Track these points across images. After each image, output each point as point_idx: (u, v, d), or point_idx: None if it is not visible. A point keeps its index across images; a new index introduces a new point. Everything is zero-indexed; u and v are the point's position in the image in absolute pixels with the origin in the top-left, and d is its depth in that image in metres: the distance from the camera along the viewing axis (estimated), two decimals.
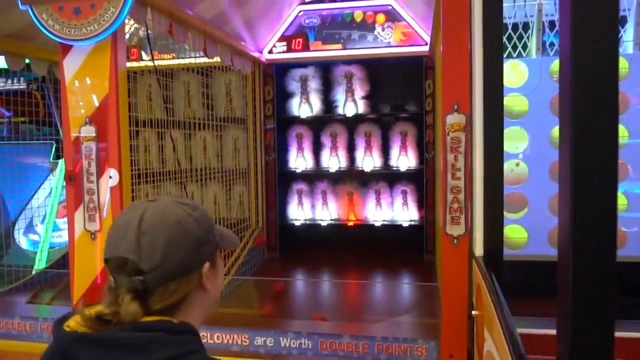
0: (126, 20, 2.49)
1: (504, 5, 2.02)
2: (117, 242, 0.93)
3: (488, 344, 1.66)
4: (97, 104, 2.35)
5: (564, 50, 0.91)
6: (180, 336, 0.91)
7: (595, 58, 0.84)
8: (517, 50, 3.37)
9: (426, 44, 4.32)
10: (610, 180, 0.84)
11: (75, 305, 2.43)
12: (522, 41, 3.39)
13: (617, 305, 0.88)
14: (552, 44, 3.34)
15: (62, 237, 4.61)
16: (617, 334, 0.87)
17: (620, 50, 3.16)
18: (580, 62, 0.85)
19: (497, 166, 1.87)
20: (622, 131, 3.03)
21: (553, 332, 2.03)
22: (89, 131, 2.35)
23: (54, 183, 4.76)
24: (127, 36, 4.14)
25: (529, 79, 3.25)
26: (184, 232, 0.94)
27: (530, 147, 3.21)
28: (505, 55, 3.08)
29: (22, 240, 4.95)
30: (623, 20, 3.15)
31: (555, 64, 3.18)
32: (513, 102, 3.16)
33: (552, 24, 3.31)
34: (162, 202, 0.98)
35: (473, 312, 2.00)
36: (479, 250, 1.97)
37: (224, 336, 2.53)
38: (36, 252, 4.54)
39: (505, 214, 2.26)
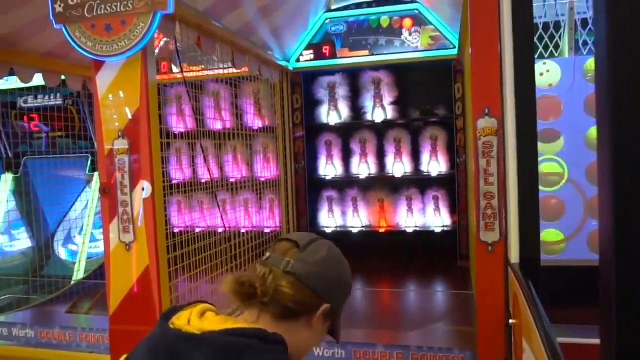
0: (155, 35, 2.53)
1: (533, 4, 1.97)
2: (294, 236, 1.11)
3: (527, 354, 1.61)
4: (129, 117, 2.40)
5: (600, 48, 0.87)
6: (273, 345, 0.96)
7: (634, 54, 0.80)
8: (549, 50, 3.29)
9: (454, 47, 4.27)
10: None
11: (113, 315, 2.48)
12: (554, 41, 3.30)
13: None
14: (585, 43, 3.25)
15: (99, 247, 4.72)
16: None
17: None
18: (618, 60, 0.82)
19: (531, 170, 1.81)
20: None
21: (595, 341, 1.95)
22: (122, 144, 2.40)
23: (90, 195, 4.88)
24: (156, 50, 4.23)
25: (561, 78, 3.17)
26: (339, 263, 1.11)
27: (565, 148, 3.12)
28: (536, 56, 3.01)
29: (61, 251, 5.09)
30: None
31: (590, 63, 3.08)
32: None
33: (584, 22, 3.22)
34: (326, 242, 1.15)
35: (510, 321, 1.94)
36: (514, 257, 1.92)
37: None
38: (74, 263, 4.66)
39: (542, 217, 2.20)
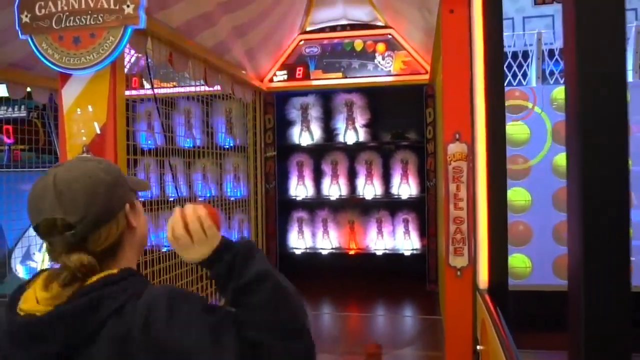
0: (126, 50, 2.49)
1: (503, 34, 2.01)
2: (39, 207, 0.97)
3: None
4: (95, 132, 2.33)
5: (569, 77, 0.88)
6: (122, 283, 0.97)
7: (602, 85, 0.81)
8: (517, 79, 3.38)
9: (426, 72, 4.34)
10: (622, 208, 0.81)
11: None
12: (522, 70, 3.39)
13: (631, 338, 0.83)
14: (552, 72, 3.35)
15: None
16: None
17: None
18: (587, 90, 0.83)
19: (501, 196, 1.82)
20: None
21: None
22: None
23: None
24: (127, 65, 4.16)
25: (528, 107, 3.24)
26: (96, 181, 1.00)
27: (532, 175, 3.18)
28: (505, 84, 3.07)
29: (19, 269, 4.88)
30: None
31: (556, 92, 3.17)
32: (514, 130, 3.14)
33: (551, 53, 3.33)
34: (67, 163, 1.04)
35: (478, 347, 1.93)
36: (483, 282, 1.91)
37: None
38: None
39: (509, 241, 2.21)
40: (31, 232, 4.72)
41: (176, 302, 0.95)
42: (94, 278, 0.96)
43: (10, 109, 4.72)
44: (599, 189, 0.82)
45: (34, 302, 0.94)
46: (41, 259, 4.61)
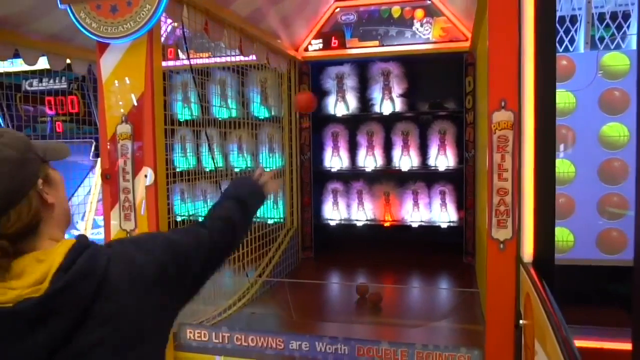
0: (162, 18, 2.47)
1: None
2: None
3: (539, 357, 1.55)
4: (133, 103, 2.34)
5: None
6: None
7: None
8: (564, 45, 3.21)
9: (467, 39, 4.18)
10: None
11: None
12: (569, 35, 3.22)
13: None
14: (601, 38, 3.17)
15: (102, 234, 4.68)
16: None
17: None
18: None
19: (549, 166, 1.74)
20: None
21: (609, 344, 1.88)
22: (125, 129, 2.34)
23: (94, 181, 4.83)
24: (163, 36, 4.16)
25: (576, 74, 3.09)
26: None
27: (577, 146, 3.05)
28: None
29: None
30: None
31: (607, 58, 3.00)
32: (560, 99, 3.00)
33: (601, 17, 3.14)
34: None
35: (521, 322, 1.88)
36: (527, 255, 1.85)
37: (258, 339, 2.48)
38: None
39: None
40: (74, 201, 4.87)
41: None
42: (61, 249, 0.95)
43: (51, 81, 4.82)
44: None
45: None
46: (83, 228, 4.76)
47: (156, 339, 1.06)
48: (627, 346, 0.98)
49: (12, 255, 0.92)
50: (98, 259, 0.97)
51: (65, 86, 4.79)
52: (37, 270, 0.91)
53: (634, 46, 3.01)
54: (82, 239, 1.00)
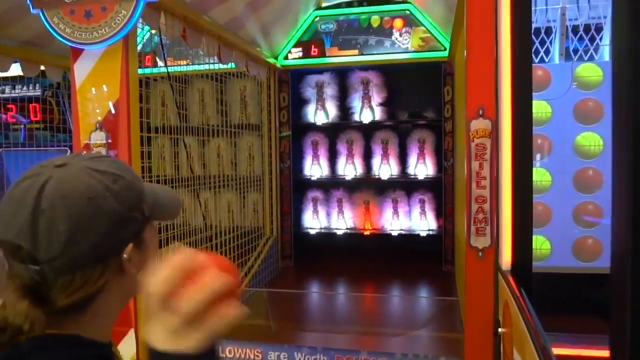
0: (139, 25, 2.43)
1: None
2: (8, 220, 0.71)
3: None
4: (107, 110, 2.29)
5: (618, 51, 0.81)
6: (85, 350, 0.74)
7: None
8: (540, 56, 3.27)
9: (445, 49, 4.22)
10: None
11: None
12: (545, 46, 3.28)
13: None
14: (575, 50, 3.23)
15: None
16: None
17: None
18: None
19: (526, 174, 1.75)
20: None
21: (586, 351, 1.89)
22: (100, 137, 2.29)
23: None
24: (141, 44, 4.11)
25: (552, 84, 3.14)
26: (97, 211, 0.72)
27: (553, 155, 3.09)
28: None
29: None
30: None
31: (580, 69, 3.06)
32: (536, 108, 3.04)
33: (575, 29, 3.20)
34: (72, 167, 0.74)
35: (500, 330, 1.88)
36: (506, 263, 1.86)
37: (236, 350, 2.43)
38: None
39: None
40: None
41: None
42: (54, 331, 0.72)
43: (25, 88, 4.72)
44: None
45: None
46: None
47: None
48: (604, 353, 0.97)
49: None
50: None
51: (39, 93, 4.69)
52: None
53: (606, 57, 3.08)
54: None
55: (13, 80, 4.63)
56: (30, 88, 4.72)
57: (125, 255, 0.77)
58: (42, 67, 3.63)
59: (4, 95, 4.77)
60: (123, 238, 0.76)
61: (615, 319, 0.83)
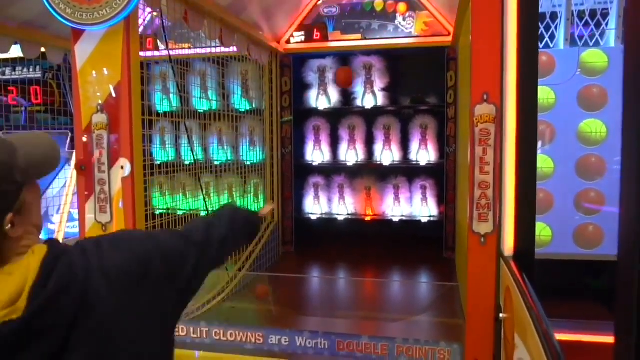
0: (140, 6, 2.40)
1: None
2: None
3: (520, 351, 1.55)
4: (108, 92, 2.27)
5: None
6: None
7: None
8: (544, 41, 3.23)
9: (449, 34, 4.18)
10: None
11: None
12: (550, 32, 3.24)
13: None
14: (580, 35, 3.20)
15: (77, 227, 4.57)
16: None
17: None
18: None
19: (530, 160, 1.74)
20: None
21: (586, 337, 1.89)
22: (101, 119, 2.28)
23: (69, 173, 4.72)
24: (142, 26, 4.07)
25: (556, 70, 3.11)
26: None
27: (556, 141, 3.07)
28: None
29: None
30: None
31: (585, 55, 3.03)
32: (539, 94, 3.02)
33: (580, 14, 3.17)
34: None
35: (501, 315, 1.89)
36: (508, 249, 1.85)
37: (237, 334, 2.44)
38: None
39: None
40: (49, 193, 4.75)
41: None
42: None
43: (25, 70, 4.69)
44: None
45: None
46: (58, 221, 4.65)
47: (151, 342, 0.97)
48: (605, 339, 0.97)
49: None
50: (76, 267, 0.86)
51: (40, 75, 4.66)
52: (9, 286, 0.80)
53: (612, 43, 3.04)
54: (53, 245, 0.89)
55: (13, 62, 4.59)
56: (31, 70, 4.68)
57: (7, 227, 0.84)
58: (43, 49, 3.59)
59: (4, 77, 4.74)
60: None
61: (620, 306, 0.83)
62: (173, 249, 1.06)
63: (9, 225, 0.84)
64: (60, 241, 0.94)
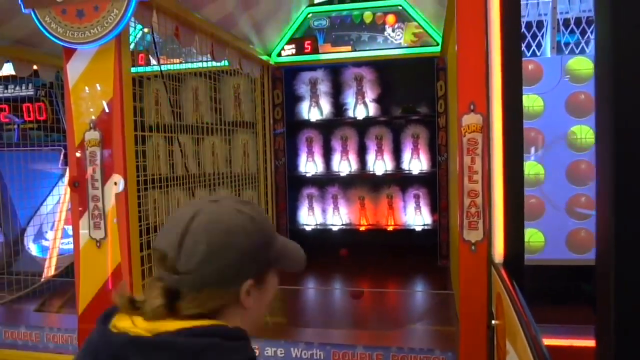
0: (131, 23, 2.43)
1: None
2: (165, 234, 0.92)
3: (510, 356, 1.56)
4: (101, 109, 2.29)
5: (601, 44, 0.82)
6: (236, 342, 0.88)
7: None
8: (531, 49, 3.28)
9: (438, 44, 4.24)
10: None
11: (84, 313, 2.37)
12: (536, 40, 3.29)
13: None
14: (567, 43, 3.25)
15: (72, 243, 4.56)
16: None
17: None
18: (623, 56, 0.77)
19: (517, 168, 1.77)
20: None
21: (578, 342, 1.91)
22: (94, 136, 2.30)
23: (63, 189, 4.72)
24: (133, 42, 4.10)
25: (544, 78, 3.16)
26: (230, 242, 0.90)
27: (546, 148, 3.11)
28: None
29: (32, 247, 4.92)
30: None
31: (572, 62, 3.08)
32: (528, 102, 3.06)
33: (566, 22, 3.22)
34: (222, 205, 0.94)
35: (493, 322, 1.90)
36: (498, 256, 1.88)
37: None
38: (45, 259, 4.50)
39: None
40: (43, 210, 4.75)
41: None
42: (205, 322, 0.88)
43: (17, 87, 4.70)
44: (631, 159, 0.77)
45: (129, 323, 0.86)
46: (53, 237, 4.64)
47: None
48: (593, 343, 0.99)
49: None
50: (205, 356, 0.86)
51: (32, 93, 4.68)
52: None
53: None
54: (240, 333, 0.92)
55: (5, 80, 4.61)
56: (23, 88, 4.70)
57: (246, 287, 0.92)
58: (35, 67, 3.62)
59: None
60: (246, 272, 0.92)
61: (600, 309, 0.85)
62: None
63: (246, 289, 0.92)
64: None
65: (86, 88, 2.32)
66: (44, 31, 2.25)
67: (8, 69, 3.49)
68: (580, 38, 3.19)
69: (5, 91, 4.75)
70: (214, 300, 0.90)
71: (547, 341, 1.87)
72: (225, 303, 0.92)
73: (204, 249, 0.88)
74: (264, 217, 0.98)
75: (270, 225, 0.99)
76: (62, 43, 2.25)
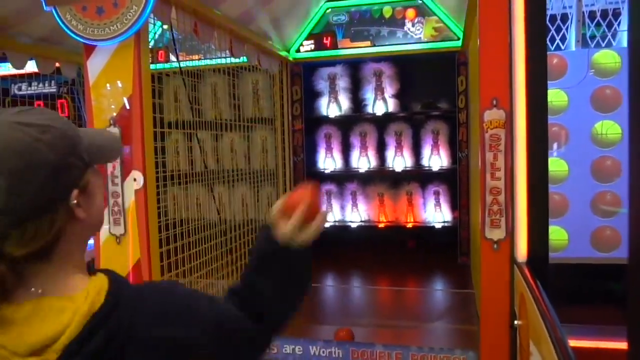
0: (150, 20, 2.44)
1: None
2: None
3: (534, 358, 1.53)
4: (121, 105, 2.30)
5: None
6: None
7: None
8: (555, 43, 3.21)
9: (458, 39, 4.17)
10: None
11: None
12: (560, 33, 3.22)
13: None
14: (592, 36, 3.17)
15: (91, 239, 4.61)
16: None
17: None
18: None
19: (541, 165, 1.73)
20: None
21: (605, 343, 1.86)
22: (113, 132, 2.31)
23: None
24: (152, 40, 4.12)
25: (568, 72, 3.08)
26: (29, 163, 0.73)
27: (570, 144, 3.04)
28: None
29: None
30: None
31: (598, 56, 3.00)
32: (551, 96, 2.99)
33: (592, 15, 3.14)
34: None
35: (515, 322, 1.86)
36: (521, 255, 1.84)
37: None
38: None
39: None
40: None
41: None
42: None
43: (40, 85, 4.77)
44: None
45: None
46: None
47: None
48: (623, 345, 0.96)
49: (9, 289, 0.74)
50: (123, 328, 0.76)
51: (54, 90, 4.74)
52: (47, 328, 0.72)
53: (624, 44, 3.01)
54: (114, 285, 0.80)
55: (29, 78, 4.68)
56: (46, 85, 4.77)
57: (74, 201, 0.78)
58: (57, 64, 3.66)
59: (20, 93, 4.83)
60: (65, 185, 0.78)
61: (632, 309, 0.81)
62: (233, 327, 0.95)
63: (75, 201, 0.78)
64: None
65: (107, 85, 2.33)
66: (64, 28, 2.26)
67: (31, 67, 3.53)
68: (607, 30, 3.10)
69: (29, 88, 4.82)
70: (44, 230, 0.75)
71: (573, 342, 1.82)
72: (60, 226, 0.77)
73: (3, 184, 0.72)
74: (56, 117, 0.80)
75: (67, 123, 0.81)
76: (82, 40, 2.26)
